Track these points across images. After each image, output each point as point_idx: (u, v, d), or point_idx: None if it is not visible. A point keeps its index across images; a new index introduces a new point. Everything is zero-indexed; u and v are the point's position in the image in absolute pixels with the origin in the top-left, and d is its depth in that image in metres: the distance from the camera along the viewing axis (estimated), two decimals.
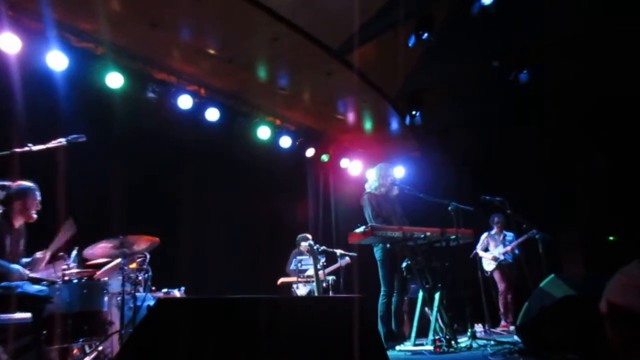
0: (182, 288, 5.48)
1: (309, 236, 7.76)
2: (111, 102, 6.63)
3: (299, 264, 7.35)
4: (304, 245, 7.77)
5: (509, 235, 8.14)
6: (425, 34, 6.31)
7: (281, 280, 7.75)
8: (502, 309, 8.06)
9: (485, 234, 8.28)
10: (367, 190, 5.74)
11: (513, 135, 8.66)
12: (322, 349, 2.77)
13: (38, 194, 4.17)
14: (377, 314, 5.43)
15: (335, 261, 7.22)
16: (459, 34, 6.73)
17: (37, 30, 5.96)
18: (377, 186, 5.68)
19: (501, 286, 8.07)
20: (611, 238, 8.96)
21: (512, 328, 7.11)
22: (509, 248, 7.98)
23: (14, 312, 3.74)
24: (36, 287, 3.71)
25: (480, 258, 8.28)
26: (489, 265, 8.18)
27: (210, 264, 7.26)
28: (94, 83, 6.53)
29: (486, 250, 8.30)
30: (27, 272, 3.95)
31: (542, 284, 4.15)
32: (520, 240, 7.74)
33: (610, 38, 6.73)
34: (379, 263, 5.52)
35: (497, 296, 8.14)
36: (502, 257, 8.02)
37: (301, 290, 7.54)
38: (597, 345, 3.02)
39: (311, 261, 6.70)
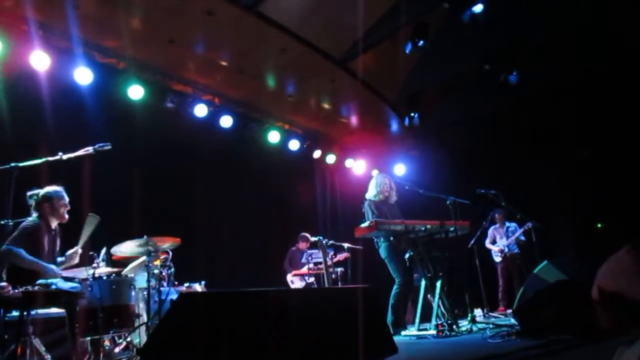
0: (203, 282, 5.48)
1: (308, 235, 7.83)
2: (133, 113, 6.67)
3: (310, 258, 7.35)
4: (302, 244, 7.97)
5: (512, 226, 8.14)
6: (421, 41, 6.29)
7: (294, 272, 7.73)
8: (501, 295, 8.04)
9: (491, 228, 8.28)
10: (367, 198, 5.78)
11: (504, 131, 8.61)
12: (331, 336, 2.77)
13: (65, 195, 4.12)
14: (382, 302, 5.40)
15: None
16: (452, 40, 6.69)
17: (64, 49, 6.00)
18: (375, 194, 5.73)
19: (505, 276, 8.06)
20: (599, 225, 8.91)
21: (509, 311, 7.07)
22: (512, 238, 7.99)
23: (50, 307, 3.76)
24: (69, 284, 3.71)
25: (489, 250, 8.27)
26: (497, 256, 8.19)
27: (227, 259, 7.27)
28: (117, 95, 6.58)
29: (493, 242, 8.30)
30: (60, 271, 3.97)
31: (536, 270, 4.13)
32: (520, 231, 7.84)
33: (596, 40, 6.67)
34: (386, 260, 5.48)
35: (499, 283, 8.11)
36: (506, 249, 8.03)
37: (296, 284, 7.58)
38: (588, 325, 3.00)
39: (321, 255, 6.70)
